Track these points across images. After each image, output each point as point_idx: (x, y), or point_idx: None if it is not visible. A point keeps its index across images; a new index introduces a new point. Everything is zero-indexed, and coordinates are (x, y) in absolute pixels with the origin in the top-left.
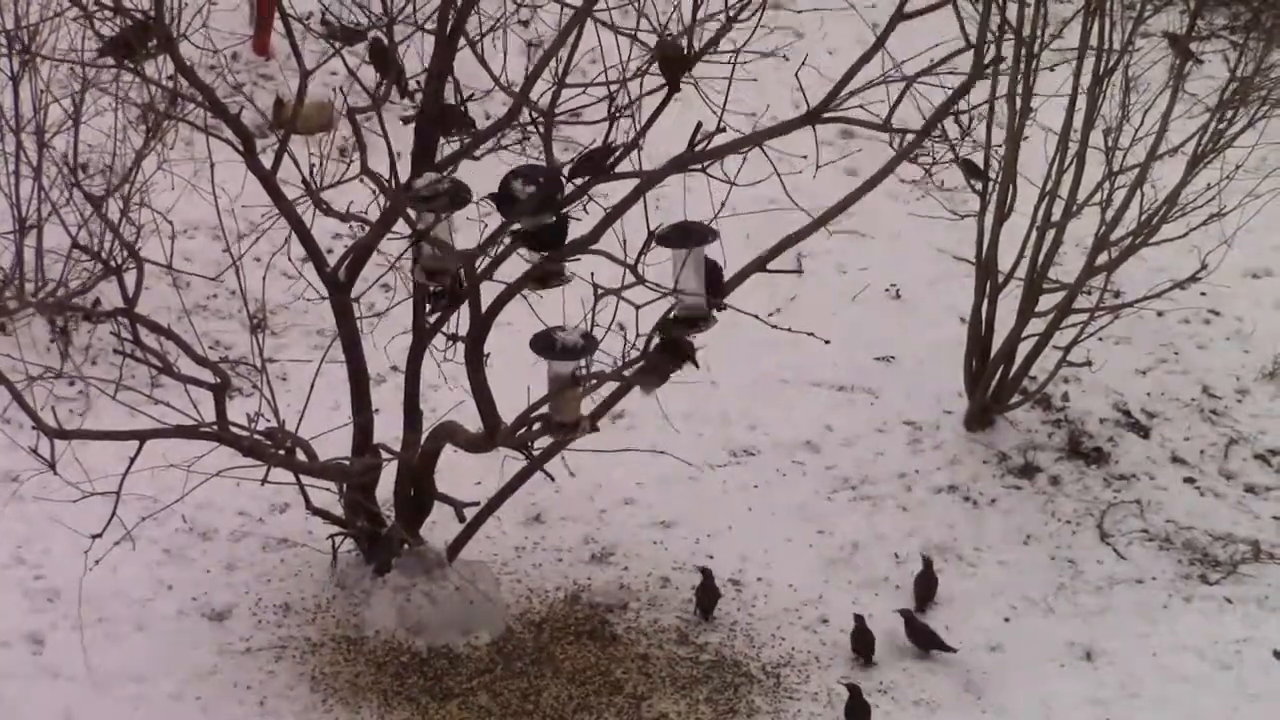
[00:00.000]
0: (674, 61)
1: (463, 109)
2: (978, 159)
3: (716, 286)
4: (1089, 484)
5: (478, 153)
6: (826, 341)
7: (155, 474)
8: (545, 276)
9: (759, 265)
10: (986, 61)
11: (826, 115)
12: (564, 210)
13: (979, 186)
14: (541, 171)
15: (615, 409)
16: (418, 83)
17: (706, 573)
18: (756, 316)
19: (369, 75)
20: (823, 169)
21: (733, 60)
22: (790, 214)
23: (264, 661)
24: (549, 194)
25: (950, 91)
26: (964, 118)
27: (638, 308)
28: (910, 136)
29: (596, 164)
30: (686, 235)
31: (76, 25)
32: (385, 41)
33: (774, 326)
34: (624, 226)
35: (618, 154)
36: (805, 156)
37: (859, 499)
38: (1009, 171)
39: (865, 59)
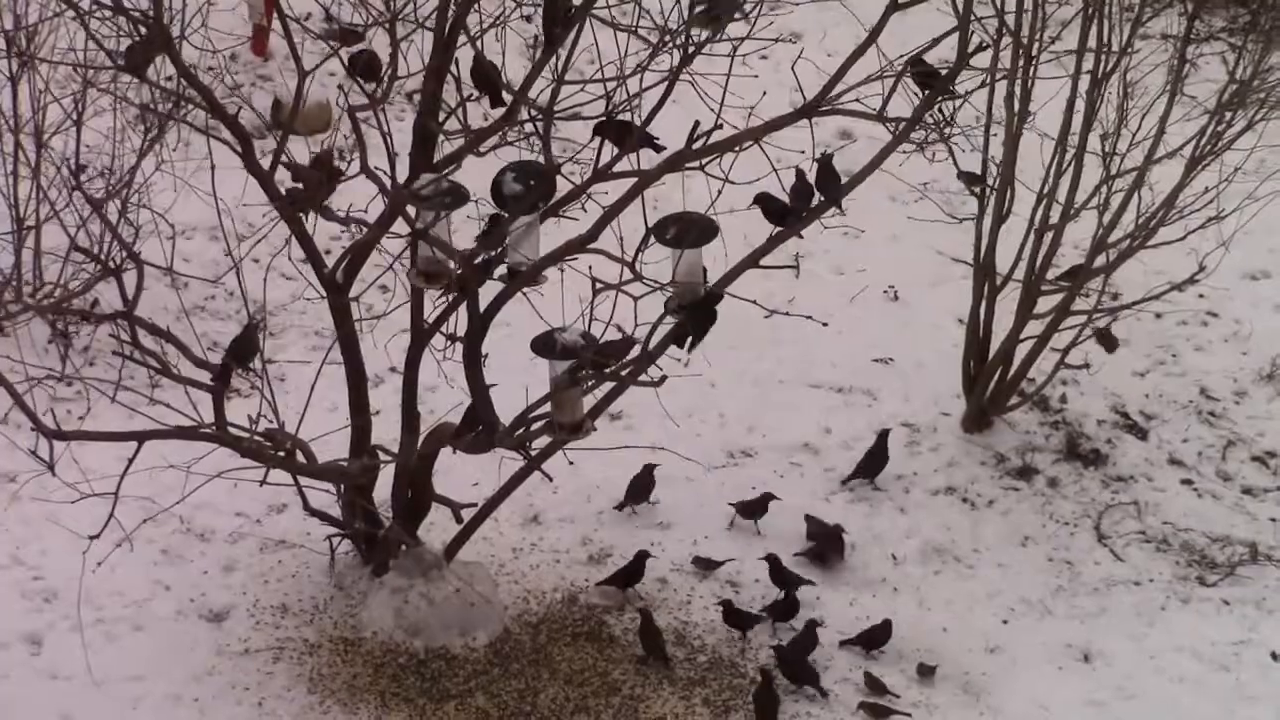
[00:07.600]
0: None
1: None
2: (974, 161)
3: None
4: (1087, 486)
5: (481, 149)
6: (824, 324)
7: (153, 475)
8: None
9: (753, 261)
10: (971, 49)
11: (822, 108)
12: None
13: (978, 190)
14: (534, 168)
15: (613, 409)
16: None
17: (645, 613)
18: (754, 302)
19: None
20: None
21: (733, 53)
22: None
23: (262, 662)
24: (542, 192)
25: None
26: (951, 106)
27: (636, 299)
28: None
29: (616, 130)
30: (687, 229)
31: (75, 25)
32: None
33: (771, 313)
34: (621, 225)
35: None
36: (804, 152)
37: (857, 500)
38: (1007, 174)
39: (859, 52)
